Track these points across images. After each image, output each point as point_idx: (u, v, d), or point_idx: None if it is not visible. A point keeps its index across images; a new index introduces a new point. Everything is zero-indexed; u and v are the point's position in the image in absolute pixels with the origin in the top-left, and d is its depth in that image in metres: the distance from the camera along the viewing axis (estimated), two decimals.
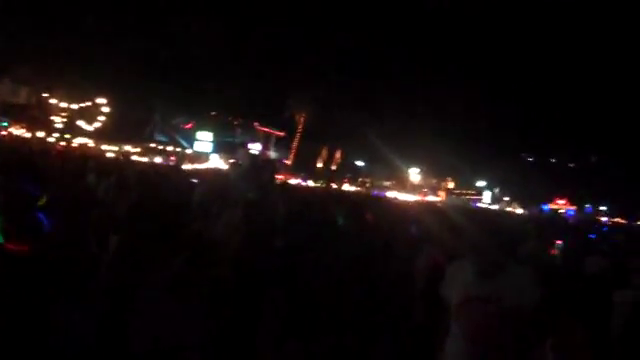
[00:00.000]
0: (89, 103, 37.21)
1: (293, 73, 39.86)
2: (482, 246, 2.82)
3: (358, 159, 53.14)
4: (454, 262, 3.12)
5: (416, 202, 25.30)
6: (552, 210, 57.80)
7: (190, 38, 39.75)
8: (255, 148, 42.56)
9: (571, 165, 76.29)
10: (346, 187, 40.44)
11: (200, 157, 37.99)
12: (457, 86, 50.98)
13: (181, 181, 9.17)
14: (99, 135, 36.91)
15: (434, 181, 56.82)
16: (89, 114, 37.64)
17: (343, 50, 43.28)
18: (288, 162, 45.41)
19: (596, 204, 68.46)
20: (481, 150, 55.17)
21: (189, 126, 42.36)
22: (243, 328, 4.41)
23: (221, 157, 35.63)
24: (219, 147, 39.32)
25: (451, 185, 58.26)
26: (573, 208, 62.33)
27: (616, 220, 60.90)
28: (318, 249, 4.88)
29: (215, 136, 40.11)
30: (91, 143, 35.44)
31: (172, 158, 38.58)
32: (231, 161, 33.53)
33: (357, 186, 44.22)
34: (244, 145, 41.38)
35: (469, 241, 2.88)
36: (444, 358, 2.91)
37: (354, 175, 50.50)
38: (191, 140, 42.33)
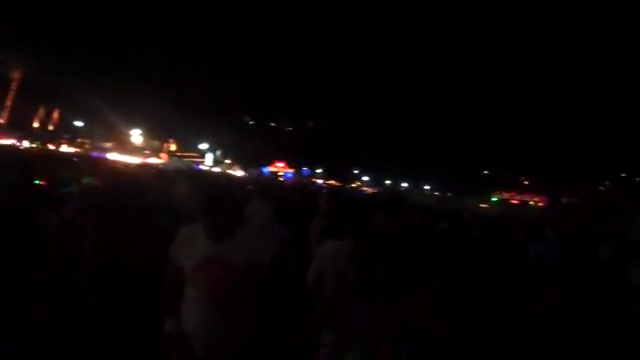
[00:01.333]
0: None
1: (6, 28, 44.44)
2: (212, 208, 3.28)
3: (77, 119, 56.85)
4: (186, 226, 3.54)
5: (138, 164, 28.55)
6: (271, 172, 70.73)
7: None
8: None
9: (290, 129, 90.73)
10: (64, 148, 43.65)
11: None
12: (176, 48, 60.57)
13: None
14: None
15: (156, 143, 62.35)
16: None
17: (60, 8, 48.88)
18: (1, 121, 47.82)
19: (313, 167, 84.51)
20: (203, 112, 62.29)
21: None
22: None
23: None
24: None
25: (173, 147, 64.86)
26: (291, 171, 76.06)
27: (330, 182, 79.09)
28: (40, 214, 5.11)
29: None
30: None
31: None
32: None
33: (76, 147, 47.91)
34: None
35: (198, 204, 3.37)
36: (180, 323, 3.36)
37: (73, 136, 54.23)
38: None
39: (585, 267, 4.49)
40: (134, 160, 38.07)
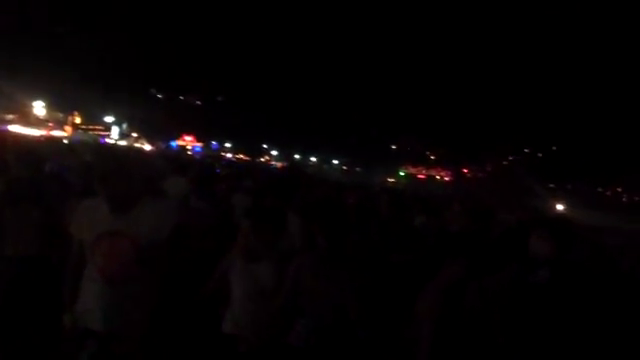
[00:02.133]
0: None
1: None
2: (114, 182, 3.28)
3: None
4: (87, 199, 3.54)
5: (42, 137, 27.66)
6: (180, 146, 70.18)
7: None
8: None
9: (198, 103, 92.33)
10: None
11: None
12: (81, 18, 59.91)
13: None
14: None
15: (60, 115, 60.57)
16: None
17: None
18: None
19: (221, 141, 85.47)
20: (109, 84, 62.41)
21: None
22: None
23: None
24: None
25: (78, 120, 62.36)
26: (200, 144, 76.46)
27: (239, 156, 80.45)
28: None
29: None
30: None
31: None
32: None
33: None
34: None
35: (100, 177, 3.32)
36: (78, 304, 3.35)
37: None
38: None
39: (486, 239, 4.78)
40: (37, 133, 37.18)
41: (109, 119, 67.18)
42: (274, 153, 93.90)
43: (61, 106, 62.09)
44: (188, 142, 74.94)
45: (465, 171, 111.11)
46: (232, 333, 4.16)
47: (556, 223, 3.91)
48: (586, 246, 4.60)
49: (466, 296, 3.70)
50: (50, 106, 59.29)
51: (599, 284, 3.88)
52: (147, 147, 53.81)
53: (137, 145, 54.15)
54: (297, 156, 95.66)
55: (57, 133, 46.19)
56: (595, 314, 3.59)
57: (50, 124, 54.27)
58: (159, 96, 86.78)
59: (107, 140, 51.07)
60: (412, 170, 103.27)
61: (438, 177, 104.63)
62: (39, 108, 57.05)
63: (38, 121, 52.90)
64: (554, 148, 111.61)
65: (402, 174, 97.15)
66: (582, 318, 3.53)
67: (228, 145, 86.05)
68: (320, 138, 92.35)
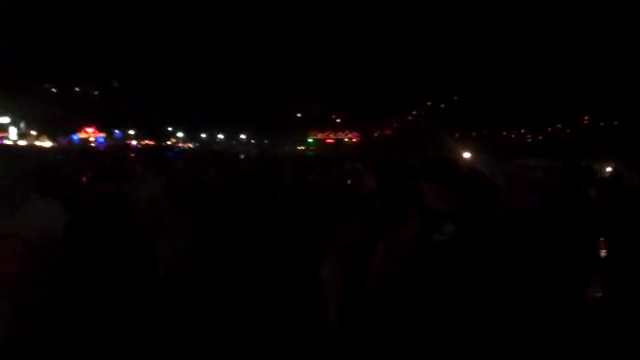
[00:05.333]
0: None
1: None
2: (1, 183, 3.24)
3: None
4: None
5: None
6: (82, 139, 69.70)
7: None
8: None
9: (95, 93, 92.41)
10: None
11: None
12: None
13: None
14: None
15: None
16: None
17: None
18: None
19: (124, 128, 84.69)
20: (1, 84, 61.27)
21: None
22: None
23: None
24: None
25: None
26: (102, 135, 75.79)
27: (146, 142, 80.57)
28: None
29: None
30: None
31: None
32: None
33: None
34: None
35: None
36: None
37: None
38: None
39: (389, 196, 4.58)
40: None
41: (4, 120, 65.92)
42: (180, 135, 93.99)
43: None
44: (90, 134, 74.17)
45: (372, 130, 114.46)
46: None
47: (447, 172, 3.76)
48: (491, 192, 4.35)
49: (373, 259, 3.67)
50: None
51: (507, 234, 3.69)
52: (48, 144, 53.55)
53: (38, 143, 53.78)
54: (203, 135, 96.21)
55: None
56: (507, 268, 3.47)
57: None
58: (54, 90, 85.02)
59: (5, 141, 50.14)
60: (320, 135, 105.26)
61: (346, 139, 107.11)
62: None
63: None
64: (455, 98, 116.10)
65: (311, 140, 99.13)
66: (496, 274, 3.39)
67: (132, 132, 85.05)
68: (224, 115, 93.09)
